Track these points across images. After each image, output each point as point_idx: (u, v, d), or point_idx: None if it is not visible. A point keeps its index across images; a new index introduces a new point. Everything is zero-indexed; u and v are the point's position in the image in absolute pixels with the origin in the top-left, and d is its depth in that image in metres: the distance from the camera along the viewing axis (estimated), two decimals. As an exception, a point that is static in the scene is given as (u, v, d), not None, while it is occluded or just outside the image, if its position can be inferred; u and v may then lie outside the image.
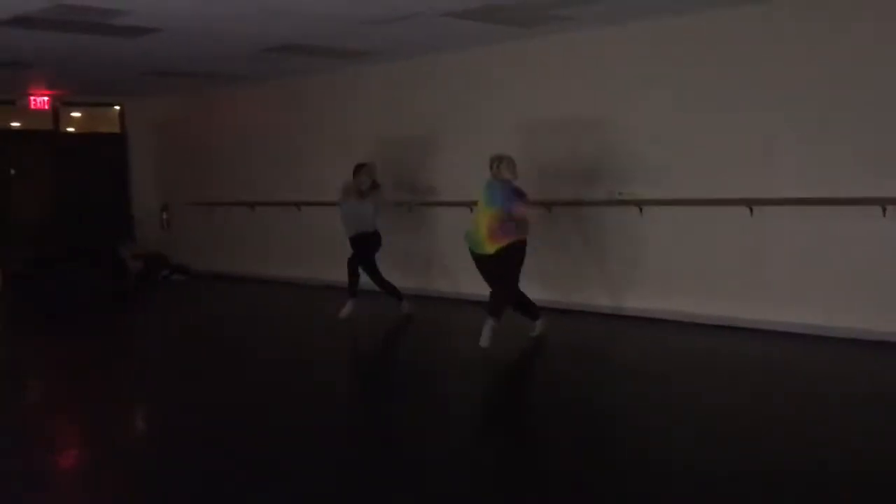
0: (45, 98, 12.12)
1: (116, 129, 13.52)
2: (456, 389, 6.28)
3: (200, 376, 6.72)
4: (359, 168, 8.42)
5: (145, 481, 4.41)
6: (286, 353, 7.55)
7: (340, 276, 8.93)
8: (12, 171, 12.43)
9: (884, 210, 6.59)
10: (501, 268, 6.96)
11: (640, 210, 7.98)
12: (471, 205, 9.04)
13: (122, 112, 13.46)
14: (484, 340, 6.84)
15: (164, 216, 13.65)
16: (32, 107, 12.10)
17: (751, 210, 7.28)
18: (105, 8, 6.74)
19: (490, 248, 6.90)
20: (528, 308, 7.36)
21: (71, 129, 13.25)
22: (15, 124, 12.75)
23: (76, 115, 13.29)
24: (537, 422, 5.39)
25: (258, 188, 11.79)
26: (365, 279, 8.53)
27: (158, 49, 8.56)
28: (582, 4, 7.07)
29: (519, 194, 6.98)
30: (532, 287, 8.60)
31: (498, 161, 7.03)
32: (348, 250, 8.56)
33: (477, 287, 7.46)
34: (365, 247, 8.42)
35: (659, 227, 7.94)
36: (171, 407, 5.91)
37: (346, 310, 8.49)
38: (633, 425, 5.17)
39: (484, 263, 7.06)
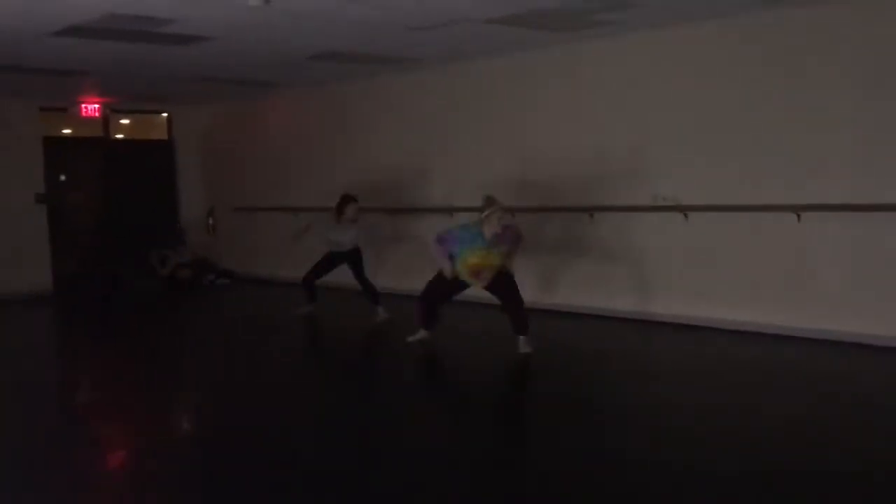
0: (96, 106, 12.38)
1: (164, 136, 13.79)
2: (479, 392, 6.38)
3: (230, 381, 6.86)
4: (347, 201, 8.87)
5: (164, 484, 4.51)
6: (313, 354, 7.91)
7: (384, 282, 9.06)
8: (62, 178, 12.71)
9: (935, 216, 6.49)
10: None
11: (686, 216, 7.93)
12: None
13: (169, 119, 13.72)
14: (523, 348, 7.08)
15: (210, 221, 13.85)
16: (84, 114, 12.36)
17: (798, 216, 7.20)
18: (156, 17, 6.89)
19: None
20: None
21: (120, 136, 13.52)
22: (66, 131, 13.04)
23: (125, 122, 13.56)
24: (557, 424, 5.31)
25: (302, 194, 11.90)
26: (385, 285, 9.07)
27: (207, 57, 8.71)
28: (628, 8, 7.06)
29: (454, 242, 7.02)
30: (576, 293, 8.65)
31: (491, 210, 6.85)
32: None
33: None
34: (356, 258, 9.04)
35: (702, 233, 7.88)
36: (200, 411, 6.08)
37: (381, 314, 8.90)
38: (662, 428, 5.11)
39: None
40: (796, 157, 7.22)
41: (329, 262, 9.15)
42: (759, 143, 7.43)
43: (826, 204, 7.01)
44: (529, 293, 9.12)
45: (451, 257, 7.06)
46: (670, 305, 8.14)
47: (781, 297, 7.40)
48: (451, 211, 9.78)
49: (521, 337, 7.08)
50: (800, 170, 7.20)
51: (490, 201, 6.93)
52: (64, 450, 5.07)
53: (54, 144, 12.49)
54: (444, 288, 7.29)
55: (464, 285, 7.24)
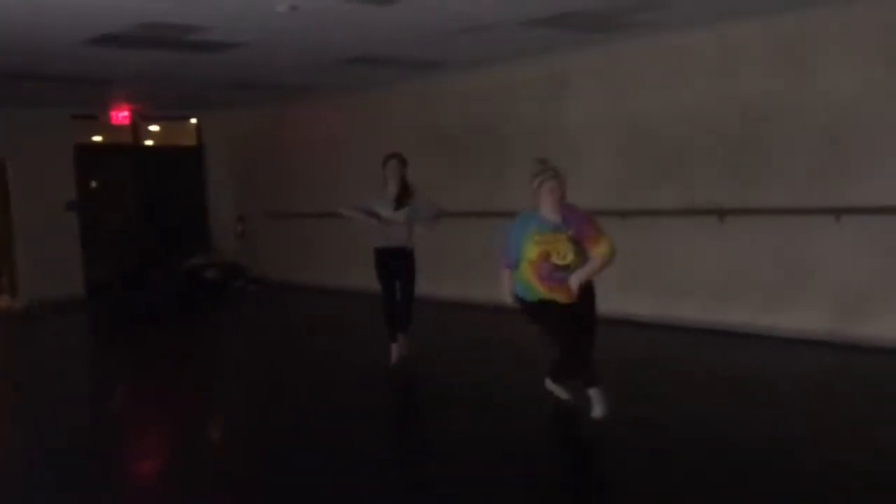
0: (126, 113, 12.42)
1: (193, 142, 13.82)
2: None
3: (256, 384, 6.91)
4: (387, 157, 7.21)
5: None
6: (336, 364, 7.60)
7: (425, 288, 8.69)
8: (93, 184, 12.77)
9: None
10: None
11: (721, 219, 7.80)
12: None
13: (198, 125, 13.74)
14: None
15: (239, 228, 13.87)
16: (114, 121, 12.42)
17: (836, 218, 7.03)
18: (188, 25, 6.87)
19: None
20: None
21: (149, 143, 13.56)
22: (96, 138, 13.09)
23: (154, 128, 13.60)
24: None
25: (333, 199, 11.81)
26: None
27: (239, 63, 8.69)
28: (665, 8, 6.94)
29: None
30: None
31: (541, 177, 5.03)
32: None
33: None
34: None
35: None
36: (230, 414, 6.07)
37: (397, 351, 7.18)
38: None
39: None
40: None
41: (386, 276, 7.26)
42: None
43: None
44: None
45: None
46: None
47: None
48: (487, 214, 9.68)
49: (591, 390, 5.08)
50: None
51: (543, 165, 5.13)
52: (102, 455, 5.11)
53: (85, 152, 12.56)
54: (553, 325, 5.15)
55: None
